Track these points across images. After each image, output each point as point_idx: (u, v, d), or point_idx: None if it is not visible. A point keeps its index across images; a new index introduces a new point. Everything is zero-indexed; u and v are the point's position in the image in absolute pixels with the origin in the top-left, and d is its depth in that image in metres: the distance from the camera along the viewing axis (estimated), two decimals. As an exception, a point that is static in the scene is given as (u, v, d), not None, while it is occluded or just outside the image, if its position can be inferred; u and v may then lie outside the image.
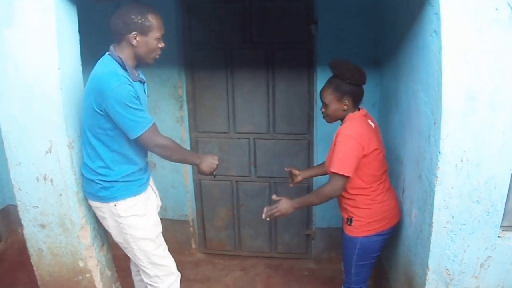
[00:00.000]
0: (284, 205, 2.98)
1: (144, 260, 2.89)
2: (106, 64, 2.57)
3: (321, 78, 4.01)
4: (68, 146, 2.77)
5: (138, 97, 2.54)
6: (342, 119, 2.93)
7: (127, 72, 2.57)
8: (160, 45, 2.66)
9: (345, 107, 2.86)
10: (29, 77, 2.67)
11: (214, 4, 4.08)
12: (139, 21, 2.53)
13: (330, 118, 2.95)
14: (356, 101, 2.89)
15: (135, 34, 2.55)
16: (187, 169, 4.55)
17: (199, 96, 4.36)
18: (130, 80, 2.55)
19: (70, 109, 2.76)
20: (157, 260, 2.91)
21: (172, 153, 2.74)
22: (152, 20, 2.56)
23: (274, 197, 3.08)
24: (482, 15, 2.23)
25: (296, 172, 3.42)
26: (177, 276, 3.04)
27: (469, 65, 2.28)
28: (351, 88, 2.83)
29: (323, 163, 3.30)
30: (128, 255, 2.99)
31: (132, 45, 2.59)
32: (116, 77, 2.49)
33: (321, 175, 3.45)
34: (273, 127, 4.33)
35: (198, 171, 2.93)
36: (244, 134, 4.40)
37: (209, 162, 2.88)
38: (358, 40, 3.87)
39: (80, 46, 2.88)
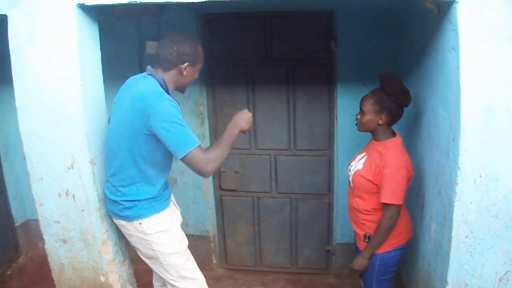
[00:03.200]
0: (357, 262, 2.97)
1: (174, 274, 2.88)
2: (148, 83, 2.61)
3: (342, 94, 4.05)
4: (90, 162, 2.79)
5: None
6: (372, 132, 2.95)
7: (169, 94, 2.62)
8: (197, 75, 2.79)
9: (380, 122, 2.85)
10: (51, 94, 2.70)
11: (234, 20, 4.12)
12: (193, 53, 2.64)
13: (362, 127, 2.95)
14: (393, 120, 2.89)
15: (187, 64, 2.64)
16: (209, 184, 4.57)
17: (220, 113, 4.39)
18: (173, 100, 2.57)
19: (92, 125, 2.79)
20: (187, 274, 2.91)
21: (221, 157, 2.62)
22: (201, 52, 2.70)
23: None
24: (499, 31, 2.25)
25: None
26: None
27: (487, 81, 2.29)
28: (392, 106, 2.82)
29: None
30: (156, 271, 2.99)
31: (182, 75, 2.67)
32: (162, 96, 2.53)
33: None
34: (294, 143, 4.34)
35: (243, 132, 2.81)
36: (265, 150, 4.42)
37: (244, 118, 2.80)
38: (378, 56, 3.89)
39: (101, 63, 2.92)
